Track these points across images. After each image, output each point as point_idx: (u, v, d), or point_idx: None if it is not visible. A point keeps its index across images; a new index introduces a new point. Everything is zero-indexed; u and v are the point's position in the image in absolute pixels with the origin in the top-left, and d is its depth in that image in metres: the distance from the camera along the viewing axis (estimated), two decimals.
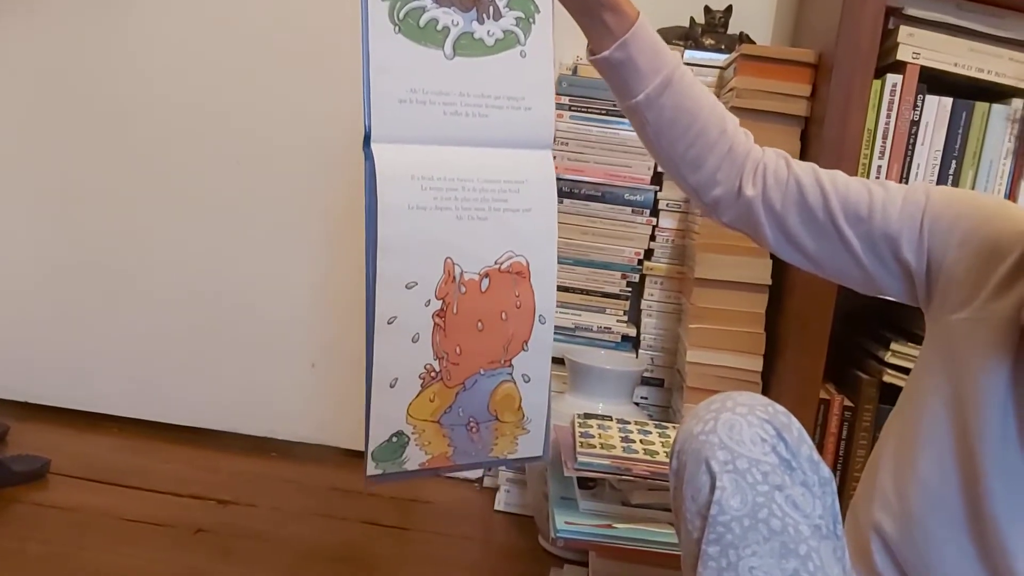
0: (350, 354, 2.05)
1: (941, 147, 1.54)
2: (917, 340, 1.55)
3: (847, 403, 1.62)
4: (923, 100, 1.53)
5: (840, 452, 1.63)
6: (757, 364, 1.68)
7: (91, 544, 1.56)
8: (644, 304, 1.89)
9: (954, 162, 1.54)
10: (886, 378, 1.57)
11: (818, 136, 1.58)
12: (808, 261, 1.03)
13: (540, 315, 0.97)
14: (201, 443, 2.08)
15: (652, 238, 1.87)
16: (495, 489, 1.93)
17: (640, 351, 1.90)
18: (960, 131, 1.53)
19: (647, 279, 1.88)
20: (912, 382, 0.99)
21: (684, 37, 1.90)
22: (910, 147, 1.54)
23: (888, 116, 1.54)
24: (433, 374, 0.93)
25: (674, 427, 1.55)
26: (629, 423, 1.54)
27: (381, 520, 1.80)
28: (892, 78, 1.53)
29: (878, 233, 0.97)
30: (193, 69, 2.04)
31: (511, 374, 0.98)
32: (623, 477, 1.32)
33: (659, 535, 1.31)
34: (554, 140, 0.96)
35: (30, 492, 1.74)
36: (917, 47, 1.51)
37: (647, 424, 1.55)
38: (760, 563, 0.83)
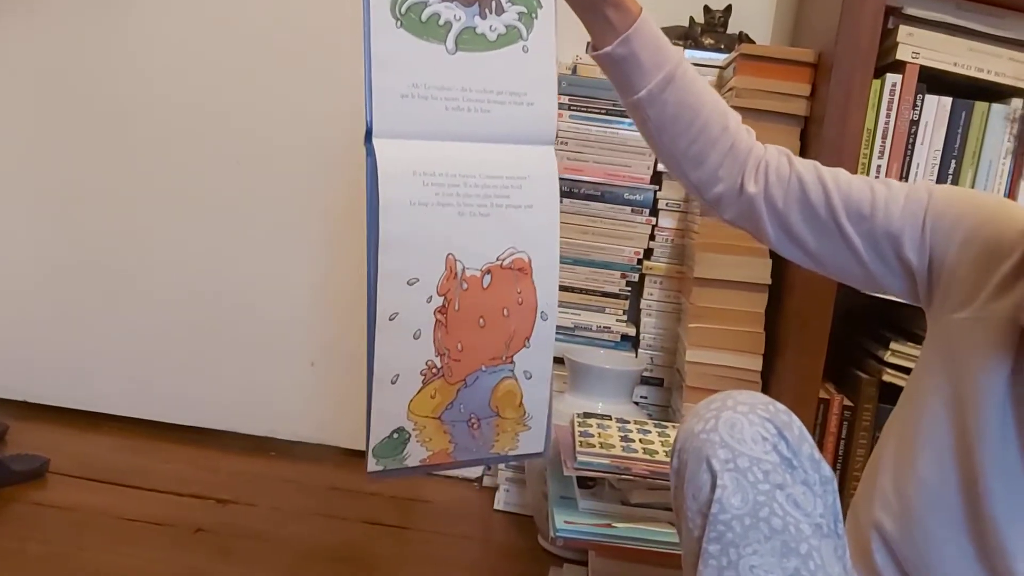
0: (350, 353, 2.05)
1: (940, 147, 1.54)
2: (917, 340, 1.55)
3: (847, 402, 1.62)
4: (922, 100, 1.53)
5: (839, 451, 1.63)
6: (757, 363, 1.68)
7: (91, 544, 1.56)
8: (643, 303, 1.89)
9: (953, 162, 1.54)
10: (886, 377, 1.57)
11: (817, 136, 1.58)
12: (809, 259, 1.03)
13: (542, 311, 0.97)
14: (201, 443, 2.08)
15: (652, 237, 1.87)
16: (495, 488, 1.93)
17: (639, 350, 1.90)
18: (959, 131, 1.54)
19: (647, 278, 1.89)
20: (913, 381, 0.99)
21: (683, 37, 1.90)
22: (909, 147, 1.54)
23: (888, 116, 1.54)
24: (434, 370, 0.93)
25: (673, 426, 1.55)
26: (628, 422, 1.53)
27: (381, 520, 1.80)
28: (891, 78, 1.53)
29: (880, 231, 0.97)
30: (193, 69, 2.04)
31: (512, 371, 0.98)
32: (622, 476, 1.32)
33: (659, 534, 1.30)
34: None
35: (29, 492, 1.74)
36: (917, 47, 1.52)
37: (646, 423, 1.55)
38: (761, 561, 0.83)
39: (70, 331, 2.13)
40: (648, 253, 1.88)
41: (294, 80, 2.02)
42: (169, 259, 2.10)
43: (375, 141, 0.86)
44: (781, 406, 0.90)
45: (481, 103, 0.90)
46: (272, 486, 1.91)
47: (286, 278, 2.09)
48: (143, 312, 2.11)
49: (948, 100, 1.53)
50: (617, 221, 1.86)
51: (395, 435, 0.94)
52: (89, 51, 2.05)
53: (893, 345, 1.57)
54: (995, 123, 1.53)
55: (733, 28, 1.91)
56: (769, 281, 1.68)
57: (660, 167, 1.85)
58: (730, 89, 1.70)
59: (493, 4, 0.91)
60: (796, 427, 0.88)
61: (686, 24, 1.91)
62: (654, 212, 1.86)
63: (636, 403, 1.82)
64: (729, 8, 1.91)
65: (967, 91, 1.54)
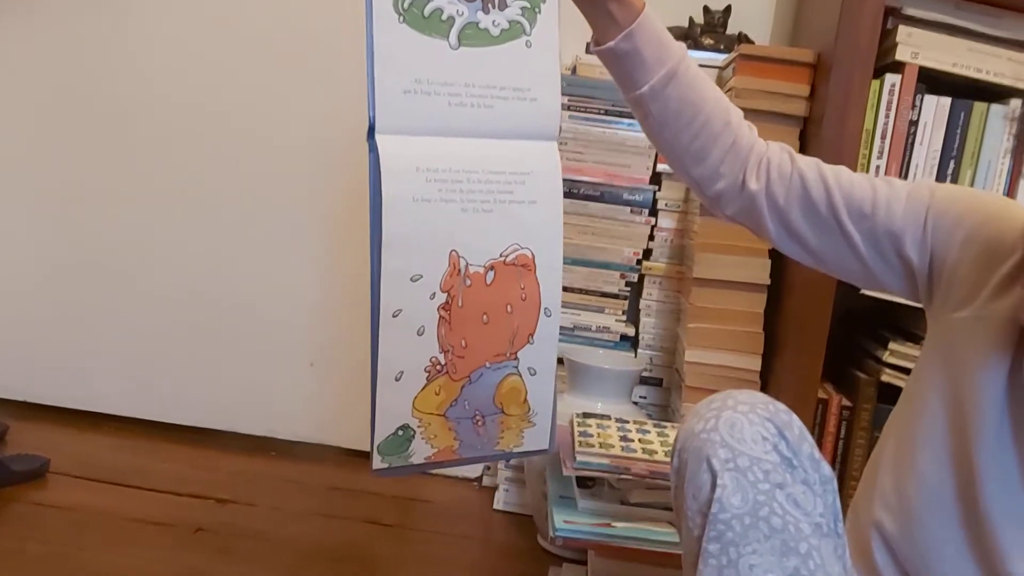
0: (350, 353, 2.06)
1: (940, 147, 1.54)
2: (916, 340, 1.56)
3: (845, 403, 1.62)
4: (922, 100, 1.54)
5: (838, 451, 1.63)
6: (756, 364, 1.68)
7: (91, 544, 1.56)
8: (643, 304, 1.90)
9: (953, 162, 1.55)
10: (884, 377, 1.57)
11: (817, 136, 1.58)
12: (810, 256, 1.03)
13: (546, 308, 0.97)
14: (201, 443, 2.08)
15: (651, 238, 1.88)
16: (494, 488, 1.93)
17: (639, 350, 1.90)
18: (959, 131, 1.54)
19: (646, 279, 1.89)
20: (913, 380, 0.99)
21: (683, 37, 1.90)
22: (909, 147, 1.55)
23: (887, 116, 1.54)
24: (439, 367, 0.93)
25: (673, 426, 1.55)
26: (628, 422, 1.53)
27: (381, 520, 1.80)
28: (891, 78, 1.53)
29: (881, 230, 0.96)
30: (193, 69, 2.04)
31: (517, 367, 0.98)
32: (622, 476, 1.32)
33: (658, 534, 1.31)
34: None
35: (29, 492, 1.74)
36: (916, 47, 1.52)
37: (646, 423, 1.55)
38: (760, 561, 0.83)
39: (70, 331, 2.12)
40: (647, 253, 1.88)
41: (294, 80, 2.02)
42: (169, 259, 2.09)
43: (378, 137, 0.86)
44: (781, 405, 0.90)
45: (484, 99, 0.90)
46: (272, 486, 1.91)
47: (286, 278, 2.09)
48: (143, 312, 2.11)
49: (947, 100, 1.54)
50: (616, 221, 1.86)
51: (400, 432, 0.94)
52: (89, 51, 2.05)
53: (892, 345, 1.57)
54: (994, 123, 1.53)
55: (732, 28, 1.92)
56: (768, 281, 1.68)
57: (660, 167, 1.85)
58: (729, 89, 1.70)
59: None
60: (796, 426, 0.88)
61: (685, 24, 1.91)
62: (653, 212, 1.87)
63: (635, 403, 1.82)
64: (728, 8, 1.91)
65: (966, 91, 1.55)
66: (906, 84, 1.53)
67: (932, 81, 1.54)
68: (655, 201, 1.86)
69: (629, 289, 1.89)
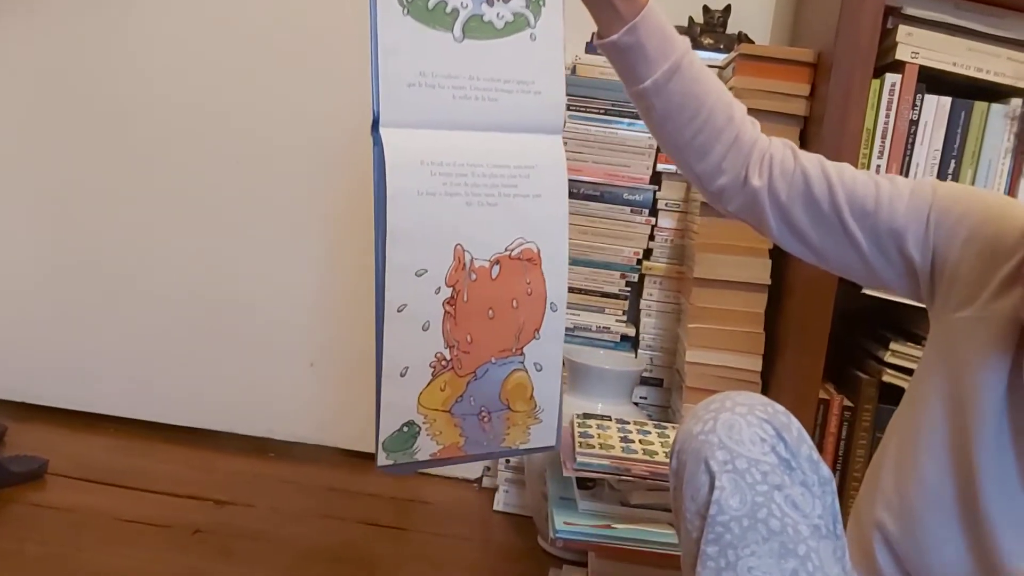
0: (349, 354, 2.05)
1: (940, 146, 1.54)
2: (917, 340, 1.56)
3: (846, 403, 1.62)
4: (922, 99, 1.54)
5: (839, 452, 1.62)
6: (756, 364, 1.68)
7: (89, 544, 1.56)
8: (643, 304, 1.89)
9: (953, 161, 1.55)
10: (885, 378, 1.57)
11: (817, 136, 1.58)
12: (811, 253, 1.02)
13: (551, 302, 0.97)
14: (199, 443, 2.08)
15: (651, 238, 1.88)
16: (494, 489, 1.93)
17: (639, 351, 1.90)
18: (959, 130, 1.54)
19: (646, 279, 1.89)
20: (915, 380, 0.99)
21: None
22: (909, 146, 1.55)
23: (887, 115, 1.54)
24: (444, 363, 0.93)
25: (673, 427, 1.55)
26: (628, 423, 1.53)
27: (380, 520, 1.80)
28: (891, 77, 1.53)
29: (883, 228, 0.96)
30: (193, 69, 2.04)
31: (523, 363, 0.97)
32: (622, 477, 1.32)
33: (658, 535, 1.31)
34: None
35: (28, 492, 1.73)
36: (916, 46, 1.52)
37: (646, 424, 1.55)
38: (759, 563, 0.83)
39: (69, 331, 2.12)
40: (648, 253, 1.88)
41: (294, 80, 2.02)
42: (168, 259, 2.09)
43: (382, 130, 0.86)
44: (780, 407, 0.90)
45: (488, 91, 0.90)
46: (271, 487, 1.91)
47: (286, 278, 2.09)
48: (143, 312, 2.11)
49: (947, 100, 1.54)
50: (617, 221, 1.86)
51: (405, 429, 0.93)
52: (89, 51, 2.05)
53: (893, 345, 1.57)
54: (994, 123, 1.53)
55: (732, 28, 1.92)
56: (769, 281, 1.68)
57: (660, 167, 1.85)
58: (729, 89, 1.70)
59: None
60: (795, 428, 0.88)
61: (685, 24, 1.91)
62: (653, 212, 1.87)
63: (636, 404, 1.82)
64: (728, 8, 1.91)
65: (966, 91, 1.55)
66: (906, 84, 1.53)
67: (932, 81, 1.54)
68: (655, 201, 1.86)
69: (629, 289, 1.89)
